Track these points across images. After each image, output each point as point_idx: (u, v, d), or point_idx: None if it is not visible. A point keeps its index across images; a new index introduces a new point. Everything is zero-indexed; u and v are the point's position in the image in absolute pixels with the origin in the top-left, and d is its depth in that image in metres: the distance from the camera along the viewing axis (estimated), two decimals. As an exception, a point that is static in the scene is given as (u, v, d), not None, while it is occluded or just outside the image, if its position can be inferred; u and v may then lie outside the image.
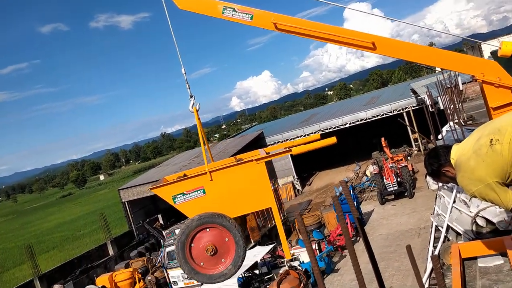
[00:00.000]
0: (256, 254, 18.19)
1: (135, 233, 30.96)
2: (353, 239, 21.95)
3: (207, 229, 4.34)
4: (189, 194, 4.37)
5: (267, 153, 4.52)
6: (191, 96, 4.77)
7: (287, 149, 4.49)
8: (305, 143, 4.70)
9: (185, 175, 4.75)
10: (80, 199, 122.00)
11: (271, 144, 39.68)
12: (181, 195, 4.43)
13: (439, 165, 3.42)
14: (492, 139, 3.04)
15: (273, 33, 4.57)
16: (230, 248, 4.31)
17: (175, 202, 4.48)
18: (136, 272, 22.49)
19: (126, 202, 31.39)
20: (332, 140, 4.30)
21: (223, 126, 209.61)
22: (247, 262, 18.58)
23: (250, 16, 4.57)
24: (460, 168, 3.25)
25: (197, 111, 4.72)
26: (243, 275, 17.88)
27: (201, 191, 4.33)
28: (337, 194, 29.99)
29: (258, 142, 40.26)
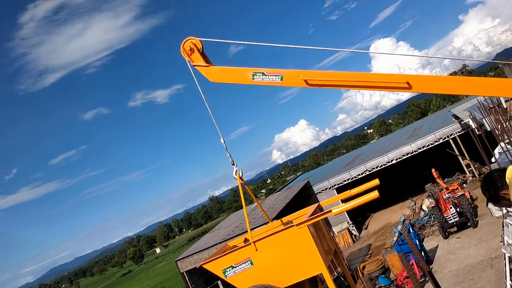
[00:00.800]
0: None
1: (197, 303, 30.62)
2: (422, 279, 20.82)
3: None
4: (238, 266, 4.32)
5: (312, 214, 4.46)
6: (233, 164, 4.86)
7: (328, 210, 4.37)
8: (356, 194, 4.61)
9: (234, 246, 4.75)
10: (140, 275, 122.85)
11: (319, 192, 39.16)
12: (231, 268, 4.39)
13: (495, 189, 3.33)
14: None
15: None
16: None
17: (226, 276, 4.44)
18: None
19: (184, 273, 31.32)
20: (375, 195, 4.17)
21: (268, 181, 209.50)
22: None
23: (280, 77, 4.69)
24: None
25: (240, 177, 4.79)
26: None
27: (249, 262, 4.28)
28: (396, 234, 28.88)
29: (306, 192, 39.81)
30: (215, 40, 5.10)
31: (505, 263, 5.54)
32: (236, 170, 4.94)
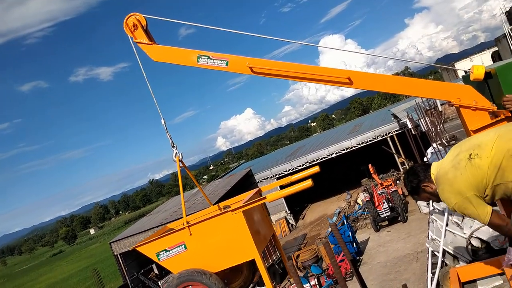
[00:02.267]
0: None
1: (130, 286, 30.10)
2: (352, 270, 21.64)
3: (190, 287, 4.24)
4: (172, 250, 4.29)
5: (251, 199, 4.47)
6: (173, 146, 4.78)
7: (263, 197, 4.38)
8: (293, 182, 4.66)
9: (171, 229, 4.70)
10: (71, 256, 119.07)
11: (261, 181, 39.59)
12: (164, 251, 4.36)
13: (418, 181, 3.46)
14: (471, 154, 3.09)
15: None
16: None
17: (159, 259, 4.41)
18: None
19: (118, 255, 30.65)
20: (308, 184, 4.22)
21: (211, 167, 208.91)
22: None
23: (225, 62, 4.63)
24: (439, 182, 3.30)
25: (180, 160, 4.72)
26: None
27: (183, 246, 4.26)
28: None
29: (248, 180, 40.08)
30: (159, 18, 4.96)
31: (428, 257, 5.87)
32: (176, 152, 4.86)
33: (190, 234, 4.21)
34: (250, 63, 4.53)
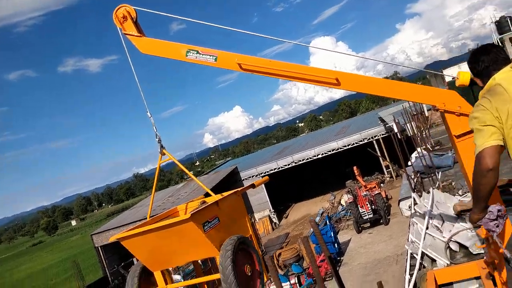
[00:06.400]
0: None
1: (109, 279, 29.92)
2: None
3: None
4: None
5: (202, 203, 4.54)
6: (159, 141, 4.76)
7: (211, 203, 4.40)
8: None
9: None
10: (51, 246, 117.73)
11: (246, 179, 39.60)
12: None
13: (485, 67, 3.01)
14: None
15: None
16: None
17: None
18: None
19: (99, 247, 30.47)
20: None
21: (197, 163, 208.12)
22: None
23: (214, 57, 4.63)
24: (489, 93, 2.87)
25: (161, 148, 4.73)
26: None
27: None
28: (314, 225, 29.95)
29: (233, 177, 40.10)
30: (150, 11, 4.93)
31: (407, 259, 5.95)
32: (162, 145, 4.85)
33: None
34: (239, 60, 4.53)
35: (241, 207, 4.51)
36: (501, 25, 35.76)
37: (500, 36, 35.49)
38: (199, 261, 6.01)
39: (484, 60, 3.00)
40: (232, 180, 39.49)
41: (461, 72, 3.57)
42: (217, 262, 4.06)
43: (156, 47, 4.82)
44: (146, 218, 4.94)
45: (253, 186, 4.73)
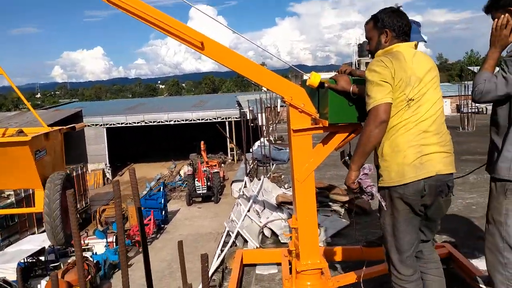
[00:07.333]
0: (45, 239, 16.70)
1: None
2: (153, 235, 21.88)
3: None
4: None
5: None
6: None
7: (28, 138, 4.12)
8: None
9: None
10: None
11: (89, 126, 37.27)
12: None
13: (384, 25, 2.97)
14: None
15: (114, 10, 4.22)
16: None
17: None
18: None
19: None
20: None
21: (38, 95, 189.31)
22: (33, 247, 16.93)
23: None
24: (392, 56, 2.85)
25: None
26: (25, 260, 16.21)
27: None
28: (148, 189, 29.65)
29: (74, 121, 37.32)
30: None
31: (223, 235, 6.19)
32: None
33: None
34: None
35: (61, 145, 4.18)
36: (361, 49, 39.44)
37: (359, 58, 39.21)
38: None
39: (407, 25, 3.02)
40: (73, 123, 36.84)
41: (314, 73, 3.74)
42: (36, 195, 3.74)
43: None
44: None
45: (73, 128, 4.43)
